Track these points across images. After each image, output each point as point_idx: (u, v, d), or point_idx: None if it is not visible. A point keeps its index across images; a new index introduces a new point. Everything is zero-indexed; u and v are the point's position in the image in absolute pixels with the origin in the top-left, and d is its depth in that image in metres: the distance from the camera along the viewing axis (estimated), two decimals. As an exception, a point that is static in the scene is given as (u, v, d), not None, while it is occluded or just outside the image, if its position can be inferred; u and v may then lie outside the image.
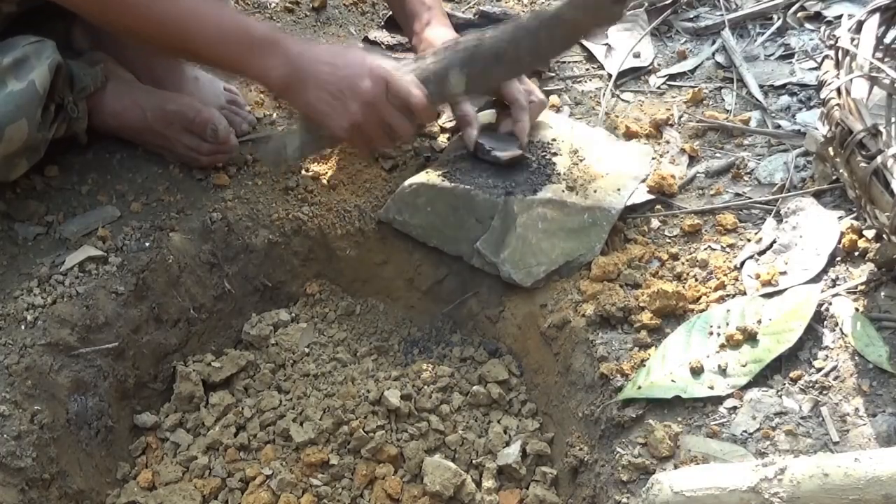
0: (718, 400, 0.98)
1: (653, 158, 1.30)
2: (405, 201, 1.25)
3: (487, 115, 1.31)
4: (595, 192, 1.22)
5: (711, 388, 0.98)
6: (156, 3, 1.02)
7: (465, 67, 1.15)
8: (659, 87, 1.47)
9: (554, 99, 1.43)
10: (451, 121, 1.37)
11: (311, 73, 1.08)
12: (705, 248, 1.17)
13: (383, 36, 1.40)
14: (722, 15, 1.57)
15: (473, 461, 1.12)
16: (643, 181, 1.25)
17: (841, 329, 1.00)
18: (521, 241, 1.18)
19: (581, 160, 1.27)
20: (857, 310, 1.01)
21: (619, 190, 1.22)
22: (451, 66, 1.15)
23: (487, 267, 1.21)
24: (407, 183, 1.25)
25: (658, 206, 1.24)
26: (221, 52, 1.07)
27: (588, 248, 1.17)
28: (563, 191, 1.22)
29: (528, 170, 1.25)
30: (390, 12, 1.50)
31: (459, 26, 1.42)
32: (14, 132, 1.08)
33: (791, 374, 0.98)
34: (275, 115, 1.39)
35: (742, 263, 1.12)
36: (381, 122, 1.11)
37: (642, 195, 1.24)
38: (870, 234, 1.08)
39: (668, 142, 1.34)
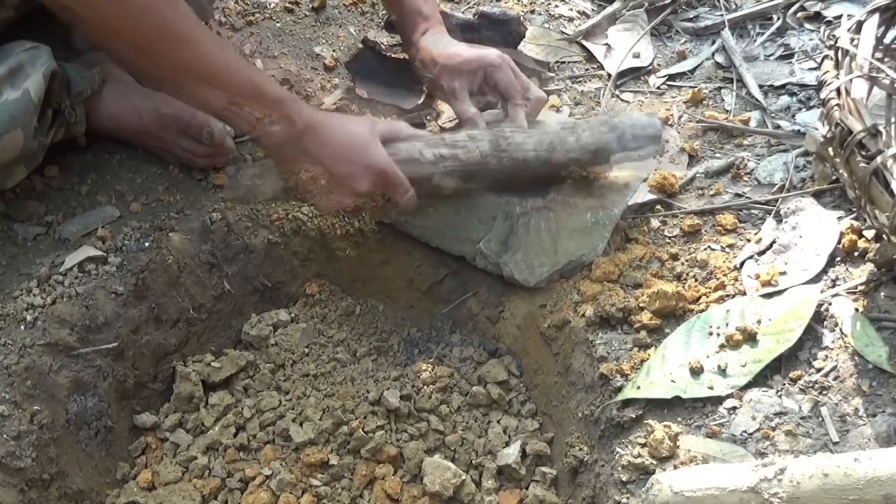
0: (718, 400, 0.98)
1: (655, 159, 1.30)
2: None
3: (492, 115, 1.31)
4: (598, 191, 1.21)
5: (711, 388, 0.98)
6: (176, 55, 1.02)
7: (461, 180, 1.18)
8: (659, 88, 1.47)
9: (554, 99, 1.43)
10: (451, 121, 1.37)
11: (312, 151, 1.10)
12: (705, 249, 1.17)
13: (383, 37, 1.41)
14: (722, 15, 1.57)
15: (473, 461, 1.12)
16: (645, 181, 1.25)
17: (841, 329, 1.00)
18: (524, 242, 1.18)
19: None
20: (856, 310, 1.01)
21: (621, 190, 1.22)
22: (450, 175, 1.17)
23: (491, 267, 1.21)
24: None
25: (658, 207, 1.24)
26: (233, 108, 1.09)
27: (591, 247, 1.17)
28: (566, 191, 1.21)
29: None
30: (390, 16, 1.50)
31: (459, 27, 1.42)
32: (9, 142, 1.08)
33: (791, 375, 0.98)
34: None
35: (742, 263, 1.12)
36: (361, 209, 1.16)
37: (644, 195, 1.24)
38: (870, 234, 1.08)
39: (667, 141, 1.34)
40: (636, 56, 1.51)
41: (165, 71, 1.05)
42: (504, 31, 1.42)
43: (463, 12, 1.57)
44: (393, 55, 1.45)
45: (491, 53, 1.26)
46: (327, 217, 1.30)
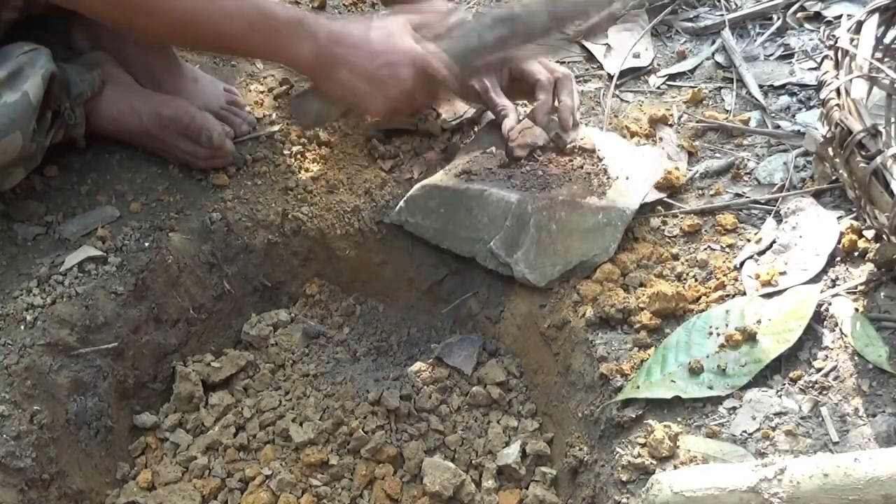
0: (718, 400, 0.98)
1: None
2: (417, 203, 1.25)
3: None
4: (609, 192, 1.21)
5: (711, 388, 0.98)
6: (174, 3, 1.00)
7: (513, 35, 1.14)
8: (659, 87, 1.47)
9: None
10: (454, 120, 1.37)
11: (344, 57, 1.06)
12: (705, 248, 1.17)
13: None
14: (722, 15, 1.57)
15: (473, 461, 1.12)
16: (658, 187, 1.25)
17: (841, 329, 1.00)
18: (535, 242, 1.18)
19: (600, 160, 1.27)
20: (856, 310, 1.01)
21: (633, 191, 1.22)
22: (503, 45, 1.14)
23: (501, 268, 1.21)
24: (419, 185, 1.25)
25: (658, 207, 1.24)
26: (249, 43, 1.05)
27: (602, 248, 1.17)
28: (577, 191, 1.21)
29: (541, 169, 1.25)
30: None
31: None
32: (8, 145, 1.08)
33: (791, 375, 0.98)
34: (274, 115, 1.39)
35: (742, 263, 1.12)
36: (413, 102, 1.10)
37: (652, 194, 1.24)
38: (869, 234, 1.08)
39: (661, 138, 1.34)
40: (636, 56, 1.51)
41: (169, 19, 1.02)
42: None
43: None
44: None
45: None
46: (327, 217, 1.30)
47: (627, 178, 1.23)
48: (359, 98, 1.08)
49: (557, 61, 1.52)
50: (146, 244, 1.19)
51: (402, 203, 1.26)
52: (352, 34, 1.07)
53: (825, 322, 1.02)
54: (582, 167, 1.25)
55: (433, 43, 1.11)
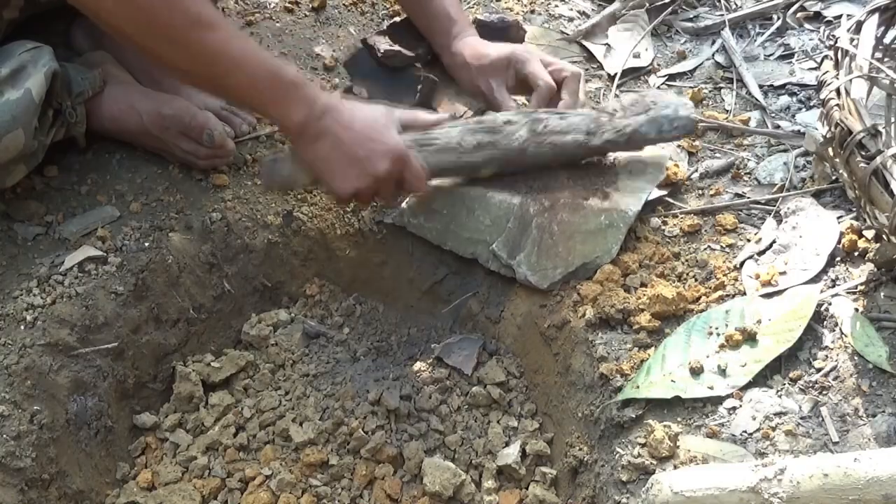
0: (718, 400, 0.98)
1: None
2: (420, 204, 1.25)
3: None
4: (612, 194, 1.21)
5: (711, 388, 0.98)
6: (192, 40, 1.01)
7: (498, 167, 1.20)
8: (659, 87, 1.47)
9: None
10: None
11: (331, 131, 1.09)
12: (705, 248, 1.17)
13: (382, 41, 1.40)
14: (722, 15, 1.57)
15: (473, 461, 1.12)
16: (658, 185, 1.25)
17: (841, 329, 1.00)
18: (537, 244, 1.18)
19: (603, 161, 1.27)
20: (856, 310, 1.01)
21: (635, 192, 1.22)
22: (486, 164, 1.19)
23: (503, 269, 1.21)
24: None
25: (658, 207, 1.24)
26: (250, 94, 1.07)
27: (605, 250, 1.16)
28: (579, 192, 1.21)
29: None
30: (394, 19, 1.50)
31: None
32: (10, 142, 1.08)
33: (791, 375, 0.98)
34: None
35: (742, 263, 1.12)
36: (374, 193, 1.14)
37: (654, 192, 1.24)
38: (869, 234, 1.09)
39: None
40: (636, 56, 1.51)
41: (183, 58, 1.03)
42: (503, 39, 1.41)
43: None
44: (389, 61, 1.43)
45: (518, 48, 1.29)
46: (327, 217, 1.30)
47: (630, 180, 1.23)
48: (330, 173, 1.11)
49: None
50: (146, 244, 1.19)
51: (404, 204, 1.26)
52: (345, 112, 1.10)
53: (825, 322, 1.02)
54: (584, 169, 1.25)
55: (412, 136, 1.15)
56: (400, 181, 1.13)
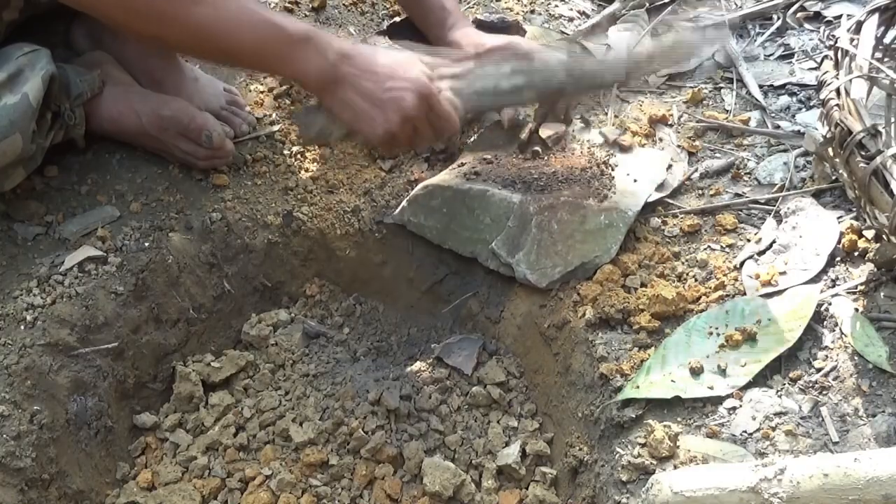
0: (718, 400, 0.98)
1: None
2: (420, 203, 1.25)
3: None
4: (612, 194, 1.21)
5: (711, 388, 0.98)
6: (190, 15, 0.99)
7: (532, 90, 1.16)
8: (659, 87, 1.47)
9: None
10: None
11: (350, 77, 1.06)
12: (705, 248, 1.17)
13: (382, 41, 1.40)
14: (722, 15, 1.57)
15: (473, 461, 1.12)
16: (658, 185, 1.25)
17: (840, 329, 1.00)
18: (537, 243, 1.18)
19: (603, 161, 1.26)
20: (856, 310, 1.01)
21: (635, 193, 1.22)
22: (520, 93, 1.15)
23: (503, 268, 1.21)
24: (422, 185, 1.25)
25: (658, 207, 1.24)
26: (260, 56, 1.05)
27: (604, 249, 1.16)
28: (579, 192, 1.21)
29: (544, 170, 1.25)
30: (394, 19, 1.50)
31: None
32: (8, 146, 1.08)
33: (791, 375, 0.98)
34: (274, 115, 1.39)
35: (742, 263, 1.12)
36: (412, 133, 1.10)
37: (654, 194, 1.24)
38: (869, 234, 1.08)
39: (661, 138, 1.33)
40: (636, 56, 1.51)
41: (184, 36, 1.02)
42: None
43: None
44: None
45: (515, 38, 1.28)
46: (327, 217, 1.30)
47: (630, 180, 1.23)
48: (359, 119, 1.08)
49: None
50: (146, 244, 1.19)
51: (404, 203, 1.26)
52: (361, 55, 1.07)
53: (825, 322, 1.02)
54: (585, 168, 1.25)
55: (445, 80, 1.11)
56: (435, 117, 1.09)
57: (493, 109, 1.19)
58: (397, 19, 1.46)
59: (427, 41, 1.36)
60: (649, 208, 1.23)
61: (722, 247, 1.16)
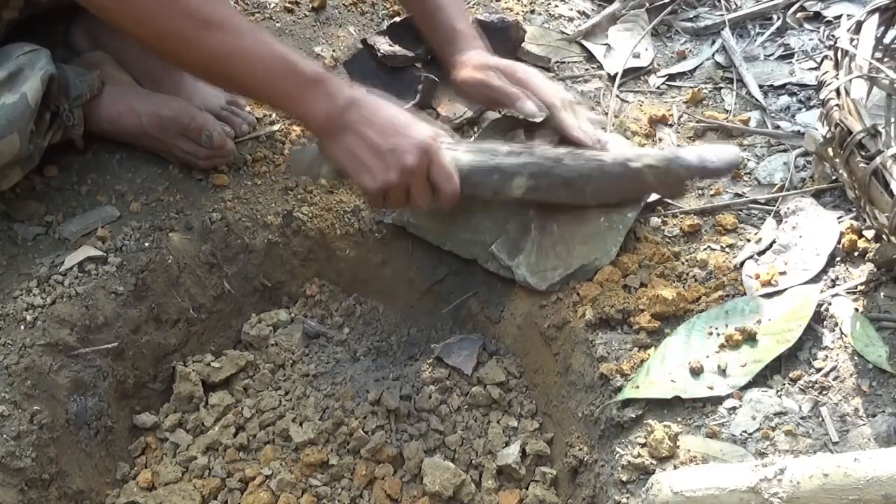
0: (718, 400, 0.98)
1: None
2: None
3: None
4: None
5: (711, 388, 0.98)
6: (205, 41, 1.00)
7: (532, 178, 1.13)
8: (659, 87, 1.47)
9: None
10: (455, 120, 1.37)
11: (356, 125, 1.05)
12: (705, 248, 1.17)
13: (382, 42, 1.40)
14: (722, 15, 1.57)
15: (473, 461, 1.12)
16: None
17: (840, 329, 1.00)
18: (537, 245, 1.18)
19: None
20: (856, 310, 1.01)
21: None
22: (520, 171, 1.13)
23: (503, 271, 1.21)
24: None
25: (658, 207, 1.24)
26: (269, 91, 1.05)
27: (604, 251, 1.16)
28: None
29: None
30: (394, 19, 1.50)
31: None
32: (5, 146, 1.08)
33: (791, 375, 0.98)
34: (274, 114, 1.39)
35: (742, 263, 1.12)
36: (407, 192, 1.09)
37: (654, 195, 1.23)
38: (869, 234, 1.09)
39: (661, 138, 1.34)
40: (636, 56, 1.51)
41: (197, 60, 1.03)
42: (503, 38, 1.41)
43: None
44: (389, 61, 1.43)
45: (520, 66, 1.25)
46: (327, 217, 1.30)
47: None
48: (358, 168, 1.07)
49: (555, 62, 1.52)
50: (146, 244, 1.19)
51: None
52: (369, 106, 1.06)
53: (825, 322, 1.02)
54: None
55: (449, 144, 1.11)
56: (433, 180, 1.08)
57: (485, 177, 1.14)
58: (397, 19, 1.46)
59: (427, 41, 1.36)
60: (649, 208, 1.23)
61: (722, 247, 1.16)
